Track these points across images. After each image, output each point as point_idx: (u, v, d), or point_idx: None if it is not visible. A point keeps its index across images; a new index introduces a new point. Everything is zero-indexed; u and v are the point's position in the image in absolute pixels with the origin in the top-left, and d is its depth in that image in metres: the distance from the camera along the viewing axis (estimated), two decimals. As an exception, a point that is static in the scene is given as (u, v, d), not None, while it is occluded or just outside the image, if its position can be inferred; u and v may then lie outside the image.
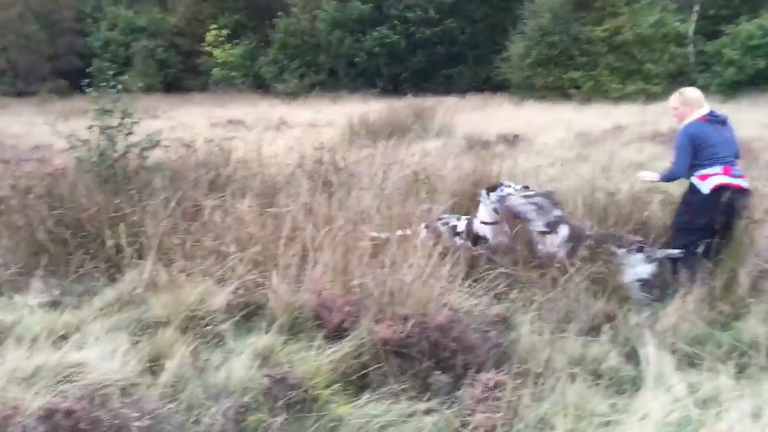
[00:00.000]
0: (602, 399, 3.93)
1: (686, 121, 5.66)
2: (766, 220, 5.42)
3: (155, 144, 7.44)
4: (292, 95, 34.68)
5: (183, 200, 6.67)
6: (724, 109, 5.56)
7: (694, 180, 5.51)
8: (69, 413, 3.07)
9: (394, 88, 35.61)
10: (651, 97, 26.97)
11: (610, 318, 4.83)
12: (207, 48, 40.82)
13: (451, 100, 26.05)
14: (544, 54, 30.45)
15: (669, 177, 5.85)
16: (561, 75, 30.32)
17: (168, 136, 8.16)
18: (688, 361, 4.35)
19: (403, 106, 19.24)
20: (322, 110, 25.72)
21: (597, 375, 4.21)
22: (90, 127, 7.20)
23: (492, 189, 6.17)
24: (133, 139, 7.38)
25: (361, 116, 16.12)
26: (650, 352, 4.12)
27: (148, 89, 35.85)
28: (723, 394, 3.82)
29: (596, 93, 28.77)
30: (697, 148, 5.50)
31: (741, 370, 4.14)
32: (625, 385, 4.11)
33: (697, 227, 5.40)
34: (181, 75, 42.69)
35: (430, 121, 16.77)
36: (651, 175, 6.09)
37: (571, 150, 13.03)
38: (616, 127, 15.71)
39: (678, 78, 29.76)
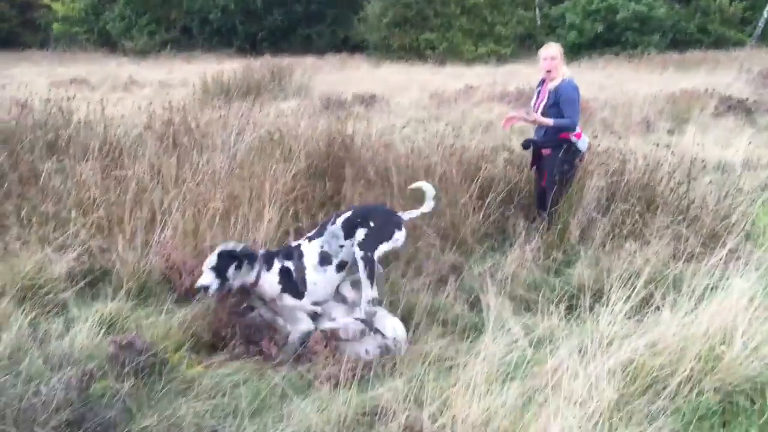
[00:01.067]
0: (447, 344, 4.15)
1: (564, 75, 5.72)
2: (596, 174, 5.84)
3: (-17, 104, 6.88)
4: (142, 53, 32.96)
5: (17, 164, 6.23)
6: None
7: (572, 138, 5.68)
8: None
9: (251, 47, 34.72)
10: (501, 59, 28.14)
11: (456, 269, 5.07)
12: (46, 1, 37.80)
13: (309, 60, 25.85)
14: (400, 14, 30.78)
15: (563, 124, 5.65)
16: (417, 36, 30.82)
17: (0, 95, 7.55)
18: (525, 306, 4.67)
19: (260, 65, 18.83)
20: (174, 69, 24.66)
21: (443, 323, 4.43)
22: None
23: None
24: (-43, 98, 6.80)
25: (215, 75, 15.63)
26: (490, 299, 4.38)
27: (-22, 45, 32.94)
28: (555, 333, 4.16)
29: (451, 54, 29.54)
30: None
31: (570, 312, 4.49)
32: (469, 330, 4.34)
33: (568, 179, 5.66)
34: (17, 30, 39.29)
35: (287, 81, 16.55)
36: (545, 120, 5.67)
37: (426, 110, 13.36)
38: (468, 87, 16.24)
39: (526, 41, 31.19)
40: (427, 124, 10.18)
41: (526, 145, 6.02)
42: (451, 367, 3.84)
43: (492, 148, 7.31)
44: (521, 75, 19.22)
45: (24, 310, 4.23)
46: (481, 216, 5.82)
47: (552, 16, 32.39)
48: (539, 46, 5.93)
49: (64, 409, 3.20)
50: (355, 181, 6.24)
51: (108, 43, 36.51)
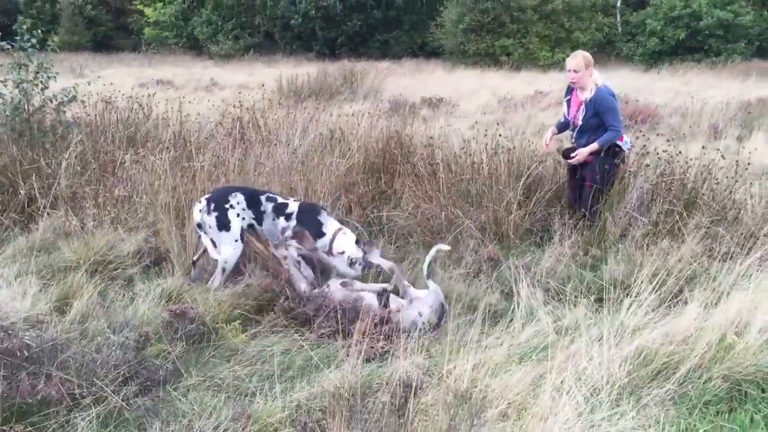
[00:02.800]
0: (476, 328, 4.36)
1: (597, 84, 5.73)
2: (639, 175, 5.93)
3: (71, 99, 7.50)
4: (227, 57, 34.26)
5: (99, 154, 6.81)
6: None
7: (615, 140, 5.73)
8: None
9: (330, 51, 35.60)
10: (578, 66, 27.78)
11: (492, 261, 5.28)
12: (138, 6, 39.83)
13: (384, 65, 26.28)
14: (476, 20, 30.83)
15: (609, 139, 5.64)
16: (493, 42, 30.81)
17: (90, 92, 8.24)
18: (557, 298, 4.83)
19: (335, 69, 19.39)
20: (255, 73, 25.55)
21: (475, 310, 4.65)
22: (3, 81, 7.21)
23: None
24: (50, 93, 7.44)
25: (290, 78, 16.23)
26: (523, 289, 4.58)
27: (77, 47, 34.91)
28: (580, 323, 4.31)
29: (526, 60, 29.44)
30: None
31: (600, 304, 4.63)
32: (499, 317, 4.55)
33: (609, 179, 5.75)
34: (111, 34, 41.57)
35: (359, 84, 17.01)
36: (589, 148, 5.68)
37: (491, 114, 13.49)
38: (538, 93, 16.27)
39: (606, 48, 30.71)
40: (488, 127, 10.36)
41: (567, 155, 6.00)
42: (478, 348, 4.05)
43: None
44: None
45: (95, 282, 4.71)
46: (525, 213, 5.98)
47: (632, 23, 31.77)
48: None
49: (122, 365, 3.61)
50: (406, 177, 6.54)
51: (195, 47, 38.16)
